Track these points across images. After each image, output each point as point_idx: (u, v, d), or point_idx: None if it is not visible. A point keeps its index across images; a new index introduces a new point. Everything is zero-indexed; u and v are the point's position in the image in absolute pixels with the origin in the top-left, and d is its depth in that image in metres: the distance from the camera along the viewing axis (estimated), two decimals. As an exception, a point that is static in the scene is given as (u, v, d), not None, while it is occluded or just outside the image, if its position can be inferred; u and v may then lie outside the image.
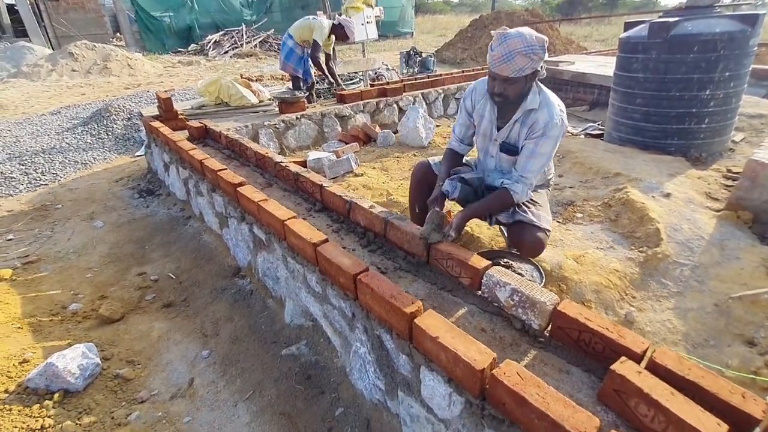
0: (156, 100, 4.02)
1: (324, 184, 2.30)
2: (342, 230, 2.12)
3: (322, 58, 5.12)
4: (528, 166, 1.80)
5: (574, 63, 7.15)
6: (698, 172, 3.19)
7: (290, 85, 7.58)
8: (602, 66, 6.74)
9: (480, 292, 1.57)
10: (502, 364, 1.12)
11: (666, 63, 3.74)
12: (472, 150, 2.16)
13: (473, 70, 6.43)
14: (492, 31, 1.76)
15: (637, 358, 1.17)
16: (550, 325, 1.38)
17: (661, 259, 2.16)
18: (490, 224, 2.11)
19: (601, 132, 4.83)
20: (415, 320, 1.29)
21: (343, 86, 5.50)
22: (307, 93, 5.13)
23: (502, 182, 1.87)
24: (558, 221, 2.67)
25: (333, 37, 4.94)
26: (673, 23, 3.67)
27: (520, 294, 1.41)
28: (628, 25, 4.40)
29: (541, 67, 1.68)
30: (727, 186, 2.93)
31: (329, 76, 5.27)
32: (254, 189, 2.28)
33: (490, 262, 1.57)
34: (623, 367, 1.10)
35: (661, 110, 3.89)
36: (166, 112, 3.85)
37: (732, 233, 2.32)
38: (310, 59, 4.96)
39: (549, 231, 1.93)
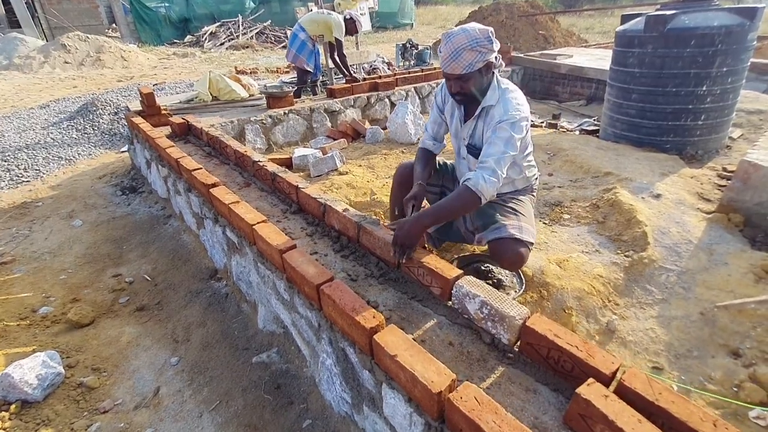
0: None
1: (300, 185, 2.22)
2: (316, 234, 2.05)
3: (317, 54, 5.16)
4: (487, 151, 1.66)
5: (572, 56, 7.01)
6: (692, 171, 3.11)
7: (284, 78, 7.48)
8: (601, 59, 6.60)
9: (450, 302, 1.50)
10: (460, 387, 1.06)
11: (662, 58, 3.64)
12: (444, 148, 2.09)
13: (468, 64, 6.29)
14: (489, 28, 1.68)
15: (606, 379, 1.11)
16: (519, 341, 1.31)
17: (646, 265, 2.09)
18: (473, 243, 2.00)
19: (597, 128, 4.73)
20: (374, 337, 1.22)
21: (356, 76, 5.46)
22: (309, 87, 5.20)
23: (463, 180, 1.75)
24: (544, 222, 2.60)
25: (348, 34, 5.08)
26: (670, 16, 3.56)
27: (489, 307, 1.34)
28: (625, 18, 4.28)
29: (496, 58, 1.65)
30: (720, 186, 2.85)
31: (344, 68, 5.25)
32: (227, 190, 2.20)
33: (461, 271, 1.49)
34: (589, 390, 1.04)
35: (657, 106, 3.80)
36: (149, 107, 3.76)
37: (722, 237, 2.24)
38: (330, 56, 5.11)
39: (532, 243, 1.81)
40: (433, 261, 1.55)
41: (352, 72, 5.41)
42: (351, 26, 4.96)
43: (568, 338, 1.20)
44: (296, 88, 5.02)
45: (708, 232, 2.27)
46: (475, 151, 1.84)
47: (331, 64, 6.05)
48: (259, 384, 1.82)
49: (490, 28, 1.61)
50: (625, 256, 2.18)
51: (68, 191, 3.74)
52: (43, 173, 4.08)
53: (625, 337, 1.82)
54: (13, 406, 1.60)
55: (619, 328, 1.86)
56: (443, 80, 1.94)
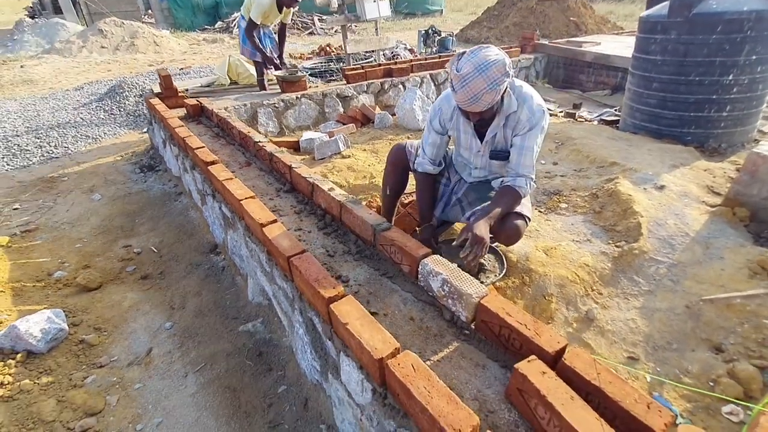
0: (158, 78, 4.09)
1: (293, 165, 2.29)
2: (304, 212, 2.12)
3: (268, 38, 4.60)
4: (521, 162, 1.74)
5: (600, 44, 6.73)
6: (707, 163, 2.96)
7: (305, 64, 7.53)
8: (630, 47, 6.30)
9: (418, 280, 1.53)
10: (399, 354, 1.10)
11: (686, 44, 3.46)
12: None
13: (489, 51, 6.15)
14: (450, 63, 1.57)
15: (549, 357, 1.12)
16: (476, 318, 1.34)
17: (636, 255, 2.04)
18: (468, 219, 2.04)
19: (617, 118, 4.56)
20: (331, 305, 1.27)
21: (281, 67, 4.60)
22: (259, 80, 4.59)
23: (501, 181, 1.82)
24: (540, 211, 2.56)
25: (285, 8, 4.26)
26: (697, 0, 3.36)
27: (449, 285, 1.37)
28: (651, 3, 4.09)
29: (510, 76, 1.57)
30: (734, 180, 2.71)
31: (262, 53, 4.36)
32: (223, 168, 2.30)
33: (428, 250, 1.52)
34: (528, 366, 1.06)
35: (679, 96, 3.63)
36: (166, 89, 3.92)
37: (722, 231, 2.15)
38: (270, 38, 4.53)
39: (529, 218, 1.86)
40: (404, 239, 1.58)
41: (266, 54, 4.44)
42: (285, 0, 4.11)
43: (519, 317, 1.21)
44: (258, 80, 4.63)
45: (708, 225, 2.18)
46: (499, 155, 1.84)
47: (350, 50, 6.05)
48: (243, 351, 1.93)
49: (508, 59, 1.52)
50: (615, 246, 2.13)
51: (92, 168, 3.98)
52: (71, 150, 4.35)
53: (604, 326, 1.80)
54: (19, 355, 1.76)
55: (598, 317, 1.83)
56: (436, 103, 1.90)
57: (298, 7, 4.54)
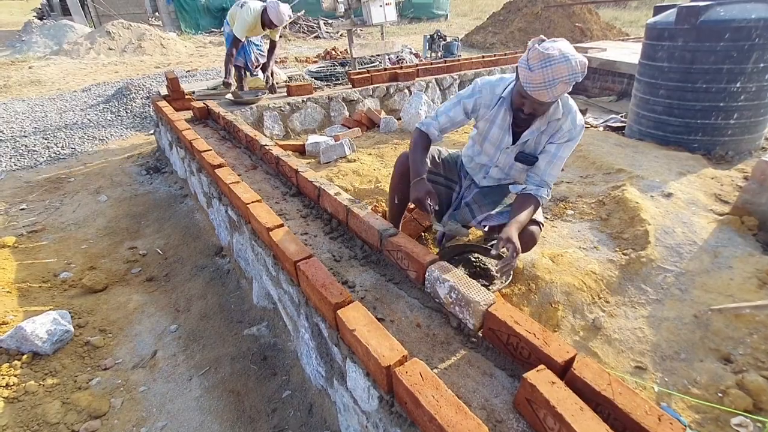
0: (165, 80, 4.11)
1: (299, 169, 2.29)
2: (310, 216, 2.12)
3: (254, 44, 4.64)
4: (549, 171, 1.74)
5: (606, 50, 6.73)
6: (714, 171, 2.95)
7: (311, 67, 7.57)
8: (636, 54, 6.30)
9: (424, 286, 1.53)
10: (407, 362, 1.09)
11: (693, 52, 3.46)
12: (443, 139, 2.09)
13: (495, 56, 6.16)
14: (532, 42, 1.52)
15: (558, 367, 1.11)
16: (483, 326, 1.33)
17: (644, 264, 2.03)
18: (484, 230, 2.04)
19: (623, 124, 4.56)
20: (338, 311, 1.27)
21: (228, 81, 4.31)
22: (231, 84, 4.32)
23: (523, 189, 1.79)
24: (546, 217, 2.55)
25: (269, 27, 4.20)
26: (704, 8, 3.37)
27: (456, 292, 1.36)
28: (658, 9, 4.08)
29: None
30: (742, 188, 2.69)
31: (227, 71, 4.29)
32: (230, 171, 2.30)
33: (436, 256, 1.51)
34: (537, 376, 1.05)
35: (685, 103, 3.62)
36: (174, 92, 3.95)
37: (731, 240, 2.13)
38: (255, 45, 4.59)
39: (542, 224, 1.84)
40: (411, 245, 1.58)
41: (227, 76, 4.30)
42: (266, 19, 3.99)
43: (527, 325, 1.21)
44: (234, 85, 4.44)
45: (716, 234, 2.17)
46: (527, 158, 1.81)
47: (356, 54, 6.08)
48: (248, 355, 1.92)
49: (585, 59, 1.50)
50: (623, 254, 2.12)
51: (98, 169, 4.00)
52: (78, 152, 4.37)
53: (611, 334, 1.79)
54: (25, 357, 1.77)
55: (605, 325, 1.82)
56: (478, 82, 1.83)
57: (287, 23, 4.48)
